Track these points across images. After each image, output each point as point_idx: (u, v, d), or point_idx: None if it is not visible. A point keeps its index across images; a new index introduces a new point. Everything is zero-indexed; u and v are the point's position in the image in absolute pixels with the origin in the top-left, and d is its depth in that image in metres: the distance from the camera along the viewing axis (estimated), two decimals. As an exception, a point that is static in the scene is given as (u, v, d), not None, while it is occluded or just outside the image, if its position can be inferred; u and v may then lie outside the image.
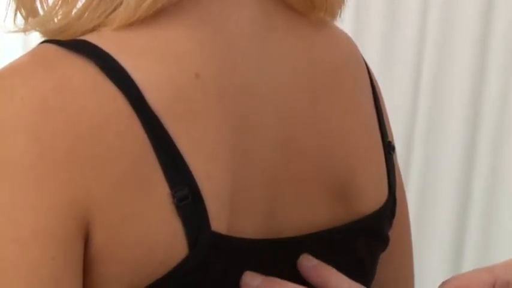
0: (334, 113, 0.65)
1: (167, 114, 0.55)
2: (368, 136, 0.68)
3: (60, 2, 0.58)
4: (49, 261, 0.51)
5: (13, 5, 0.61)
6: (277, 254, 0.61)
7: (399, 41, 1.97)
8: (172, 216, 0.54)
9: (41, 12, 0.61)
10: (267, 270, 0.59)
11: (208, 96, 0.57)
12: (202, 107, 0.57)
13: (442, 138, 1.97)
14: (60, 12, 0.58)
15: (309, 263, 0.62)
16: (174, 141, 0.55)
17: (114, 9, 0.56)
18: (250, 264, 0.59)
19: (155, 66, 0.56)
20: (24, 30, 0.61)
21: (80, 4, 0.58)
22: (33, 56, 0.56)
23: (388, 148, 0.71)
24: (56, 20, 0.58)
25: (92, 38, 0.56)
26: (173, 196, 0.54)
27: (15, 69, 0.55)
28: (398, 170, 0.74)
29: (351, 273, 0.62)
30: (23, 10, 0.61)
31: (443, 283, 0.62)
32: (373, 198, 0.67)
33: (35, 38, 0.60)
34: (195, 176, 0.55)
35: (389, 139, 0.72)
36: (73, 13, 0.57)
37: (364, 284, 0.62)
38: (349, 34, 0.72)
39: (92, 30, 0.57)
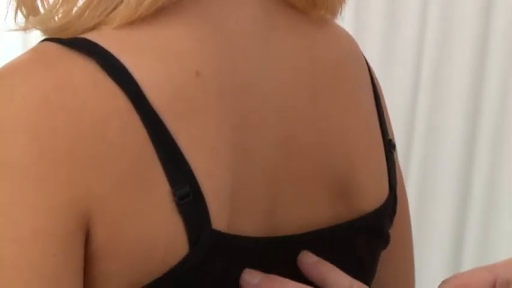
0: (334, 111, 0.65)
1: (168, 113, 0.55)
2: (369, 134, 0.68)
3: (60, 0, 0.58)
4: (49, 260, 0.51)
5: (14, 4, 0.61)
6: (278, 252, 0.61)
7: (399, 40, 1.98)
8: (173, 214, 0.54)
9: (41, 10, 0.61)
10: (267, 269, 0.59)
11: (209, 94, 0.57)
12: (203, 106, 0.57)
13: (442, 135, 1.98)
14: (61, 11, 0.58)
15: (308, 260, 0.62)
16: (175, 139, 0.55)
17: (115, 8, 0.56)
18: (251, 262, 0.59)
19: (156, 64, 0.56)
20: (25, 29, 0.61)
21: (80, 2, 0.58)
22: (33, 54, 0.56)
23: (389, 146, 0.71)
24: (56, 18, 0.58)
25: (92, 36, 0.56)
26: (174, 194, 0.54)
27: (16, 67, 0.55)
28: (399, 167, 0.74)
29: (352, 272, 0.62)
30: (23, 8, 0.61)
31: (443, 282, 0.62)
32: (373, 196, 0.67)
33: (35, 36, 0.60)
34: (195, 174, 0.55)
35: (390, 137, 0.72)
36: (74, 11, 0.57)
37: (364, 282, 0.62)
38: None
39: (93, 28, 0.57)
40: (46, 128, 0.52)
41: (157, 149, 0.54)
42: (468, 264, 1.97)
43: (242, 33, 0.60)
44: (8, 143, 0.52)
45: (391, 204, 0.69)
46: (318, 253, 0.63)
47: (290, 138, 0.62)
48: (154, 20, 0.57)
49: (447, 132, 1.98)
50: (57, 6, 0.58)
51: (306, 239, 0.63)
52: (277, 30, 0.63)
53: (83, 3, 0.57)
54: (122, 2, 0.56)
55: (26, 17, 0.61)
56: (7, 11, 0.61)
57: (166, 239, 0.54)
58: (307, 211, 0.63)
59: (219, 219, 0.56)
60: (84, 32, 0.57)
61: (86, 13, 0.57)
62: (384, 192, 0.68)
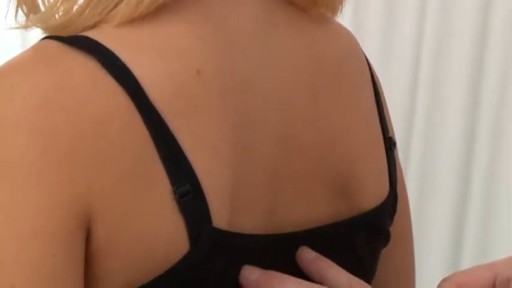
0: (335, 109, 0.65)
1: (168, 111, 0.55)
2: (369, 131, 0.68)
3: None
4: (50, 258, 0.51)
5: (14, 2, 0.61)
6: (278, 250, 0.62)
7: (397, 37, 1.98)
8: (174, 212, 0.54)
9: (42, 8, 0.61)
10: (268, 266, 0.59)
11: (210, 92, 0.57)
12: (204, 104, 0.57)
13: (441, 132, 1.98)
14: (62, 9, 0.58)
15: (307, 256, 0.62)
16: (176, 137, 0.55)
17: (116, 6, 0.56)
18: (251, 260, 0.59)
19: (156, 62, 0.56)
20: (26, 27, 0.61)
21: (81, 0, 0.58)
22: (34, 52, 0.56)
23: (389, 143, 0.71)
24: (57, 16, 0.58)
25: (93, 34, 0.56)
26: (174, 192, 0.54)
27: (16, 65, 0.55)
28: (399, 165, 0.74)
29: (352, 269, 0.62)
30: (24, 6, 0.61)
31: (443, 280, 0.62)
32: (374, 194, 0.67)
33: (34, 35, 0.60)
34: (196, 172, 0.55)
35: (390, 134, 0.72)
36: (74, 9, 0.57)
37: (364, 280, 0.62)
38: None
39: (93, 26, 0.57)
40: (46, 126, 0.52)
41: (158, 147, 0.54)
42: (467, 261, 1.97)
43: (243, 32, 0.60)
44: (9, 142, 0.52)
45: (392, 202, 0.69)
46: (318, 251, 0.63)
47: (290, 136, 0.62)
48: (155, 18, 0.57)
49: (446, 129, 1.98)
50: (58, 4, 0.58)
51: (306, 237, 0.63)
52: (277, 28, 0.63)
53: (84, 2, 0.57)
54: (122, 0, 0.56)
55: (27, 15, 0.61)
56: (8, 9, 0.61)
57: (167, 237, 0.54)
58: (308, 209, 0.64)
59: (220, 217, 0.56)
60: (84, 30, 0.57)
61: (87, 11, 0.57)
62: (384, 190, 0.69)
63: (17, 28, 0.61)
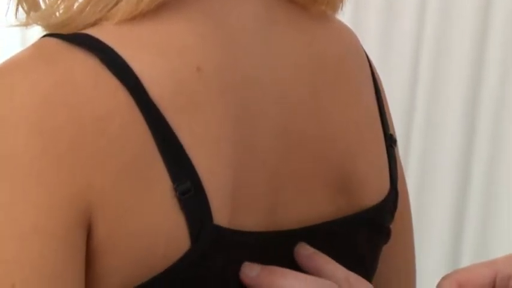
0: (335, 106, 0.65)
1: (169, 108, 0.55)
2: (369, 129, 0.68)
3: None
4: (51, 256, 0.51)
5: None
6: (279, 247, 0.62)
7: (397, 35, 1.98)
8: (175, 210, 0.54)
9: (42, 6, 0.61)
10: (268, 263, 0.59)
11: (210, 90, 0.57)
12: (204, 101, 0.57)
13: (441, 129, 1.98)
14: (62, 6, 0.58)
15: (305, 251, 0.62)
16: (176, 135, 0.55)
17: (116, 3, 0.56)
18: (252, 257, 0.59)
19: (157, 60, 0.56)
20: (26, 24, 0.61)
21: (81, -2, 0.58)
22: (34, 50, 0.56)
23: (390, 141, 0.71)
24: (57, 14, 0.58)
25: (93, 32, 0.56)
26: (175, 189, 0.54)
27: (17, 63, 0.55)
28: (400, 162, 0.74)
29: (352, 267, 0.62)
30: (24, 4, 0.61)
31: (444, 278, 0.62)
32: (374, 191, 0.67)
33: (34, 33, 0.60)
34: (197, 170, 0.55)
35: (391, 132, 0.72)
36: (75, 7, 0.57)
37: (365, 277, 0.62)
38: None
39: (94, 24, 0.57)
40: (47, 123, 0.52)
41: (158, 145, 0.54)
42: (467, 257, 1.97)
43: (243, 29, 0.60)
44: (9, 140, 0.52)
45: (392, 199, 0.69)
46: (318, 248, 0.63)
47: (291, 133, 0.62)
48: (156, 16, 0.57)
49: (446, 125, 1.98)
50: (58, 1, 0.58)
51: (307, 234, 0.63)
52: (278, 25, 0.63)
53: None
54: None
55: (27, 12, 0.61)
56: (8, 7, 0.61)
57: (168, 234, 0.54)
58: (308, 206, 0.64)
59: (221, 215, 0.56)
60: (85, 27, 0.57)
61: (87, 9, 0.57)
62: (385, 187, 0.69)
63: (17, 26, 0.61)
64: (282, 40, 0.63)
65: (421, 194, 2.00)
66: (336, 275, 0.61)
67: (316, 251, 0.62)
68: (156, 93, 0.54)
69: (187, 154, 0.55)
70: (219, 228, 0.56)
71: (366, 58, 0.72)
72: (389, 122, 0.72)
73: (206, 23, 0.59)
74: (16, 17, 0.61)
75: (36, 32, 0.60)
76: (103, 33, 0.55)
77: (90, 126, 0.52)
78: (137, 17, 0.56)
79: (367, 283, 0.61)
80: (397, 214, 0.71)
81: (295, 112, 0.62)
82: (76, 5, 0.57)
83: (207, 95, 0.57)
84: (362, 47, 0.72)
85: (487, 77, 1.94)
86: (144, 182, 0.54)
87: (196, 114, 0.56)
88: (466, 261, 1.96)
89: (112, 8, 0.56)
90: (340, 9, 0.68)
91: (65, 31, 0.57)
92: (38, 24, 0.60)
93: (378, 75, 0.74)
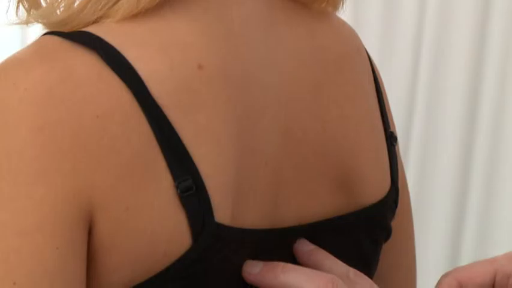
0: (336, 103, 0.65)
1: (171, 105, 0.55)
2: (370, 126, 0.68)
3: None
4: (53, 251, 0.51)
5: (15, -3, 0.62)
6: (280, 244, 0.62)
7: (397, 31, 1.98)
8: (176, 207, 0.54)
9: (43, 4, 0.61)
10: (270, 260, 0.59)
11: (212, 86, 0.57)
12: (206, 98, 0.57)
13: (442, 125, 1.98)
14: (63, 4, 0.58)
15: (304, 248, 0.62)
16: (178, 132, 0.55)
17: (117, 1, 0.56)
18: (253, 254, 0.59)
19: (158, 57, 0.56)
20: (27, 23, 0.61)
21: (82, -4, 0.58)
22: (36, 48, 0.56)
23: (390, 138, 0.71)
24: (58, 12, 0.58)
25: (94, 30, 0.56)
26: (177, 187, 0.54)
27: (19, 61, 0.55)
28: (400, 160, 0.74)
29: (353, 263, 0.62)
30: (25, 2, 0.61)
31: (444, 276, 0.63)
32: (375, 188, 0.67)
33: (34, 31, 0.60)
34: (198, 167, 0.55)
35: (392, 129, 0.72)
36: (75, 5, 0.57)
37: (366, 274, 0.62)
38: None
39: (95, 22, 0.57)
40: (49, 120, 0.52)
41: (160, 142, 0.54)
42: (467, 255, 1.97)
43: (245, 26, 0.60)
44: (12, 136, 0.52)
45: (393, 197, 0.69)
46: (320, 244, 0.63)
47: (292, 129, 0.62)
48: (157, 13, 0.57)
49: (446, 123, 1.98)
50: None
51: (308, 231, 0.63)
52: (278, 22, 0.63)
53: None
54: None
55: (28, 10, 0.61)
56: (9, 5, 0.61)
57: (169, 232, 0.54)
58: (310, 203, 0.64)
59: (222, 212, 0.56)
60: (86, 25, 0.57)
61: (88, 7, 0.57)
62: (385, 185, 0.69)
63: (18, 24, 0.61)
64: (282, 37, 0.63)
65: (421, 191, 2.00)
66: (336, 270, 0.61)
67: (316, 247, 0.62)
68: (157, 90, 0.54)
69: (189, 151, 0.55)
70: (220, 226, 0.56)
71: (367, 55, 0.72)
72: (389, 119, 0.72)
73: (207, 20, 0.59)
74: (17, 15, 0.61)
75: (37, 30, 0.60)
76: (104, 31, 0.55)
77: (92, 123, 0.52)
78: (138, 14, 0.56)
79: (367, 278, 0.61)
80: (397, 211, 0.71)
81: (296, 109, 0.62)
82: (77, 3, 0.57)
83: (208, 92, 0.57)
84: (363, 45, 0.72)
85: (487, 75, 1.94)
86: (145, 179, 0.54)
87: (197, 111, 0.56)
88: (466, 259, 1.96)
89: (113, 5, 0.56)
90: (341, 6, 0.68)
91: (65, 29, 0.57)
92: (38, 22, 0.60)
93: (379, 73, 0.74)
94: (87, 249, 0.53)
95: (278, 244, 0.62)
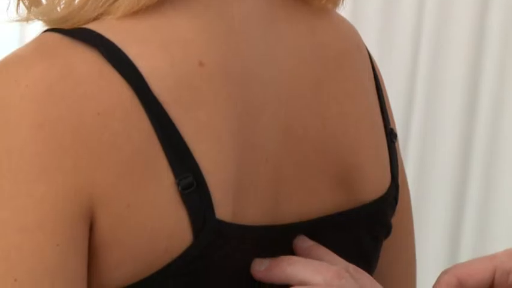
0: (336, 100, 0.65)
1: (171, 102, 0.55)
2: (370, 123, 0.68)
3: None
4: (54, 249, 0.51)
5: (16, -5, 0.61)
6: (281, 241, 0.62)
7: (396, 27, 1.97)
8: (177, 204, 0.55)
9: (43, 1, 0.61)
10: (271, 257, 0.60)
11: (212, 83, 0.57)
12: (207, 95, 0.57)
13: (441, 122, 1.98)
14: (63, 1, 0.58)
15: (304, 244, 0.62)
16: (179, 129, 0.55)
17: None
18: (255, 251, 0.60)
19: (159, 54, 0.56)
20: (27, 20, 0.61)
21: (82, -7, 0.58)
22: (37, 45, 0.56)
23: (390, 135, 0.71)
24: (59, 9, 0.58)
25: (95, 27, 0.56)
26: (177, 184, 0.54)
27: (19, 58, 0.55)
28: (400, 157, 0.74)
29: (354, 260, 0.62)
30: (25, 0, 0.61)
31: (443, 273, 0.63)
32: (376, 185, 0.67)
33: (32, 29, 0.60)
34: (199, 164, 0.55)
35: (391, 126, 0.72)
36: (76, 2, 0.57)
37: (366, 270, 0.62)
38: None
39: (96, 19, 0.57)
40: (50, 116, 0.52)
41: (160, 139, 0.54)
42: (466, 252, 1.97)
43: (245, 23, 0.60)
44: (12, 133, 0.52)
45: (393, 193, 0.69)
46: (320, 241, 0.63)
47: (293, 127, 0.62)
48: (158, 10, 0.57)
49: (445, 120, 1.98)
50: None
51: (309, 228, 0.63)
52: (279, 19, 0.63)
53: None
54: None
55: (28, 7, 0.61)
56: (9, 2, 0.61)
57: (170, 229, 0.55)
58: (310, 200, 0.64)
59: (223, 209, 0.56)
60: (86, 22, 0.57)
61: (89, 3, 0.57)
62: (386, 181, 0.68)
63: (18, 21, 0.61)
64: (283, 34, 0.63)
65: (420, 188, 1.99)
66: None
67: (315, 244, 0.62)
68: (158, 87, 0.55)
69: (190, 148, 0.55)
70: (221, 223, 0.56)
71: (367, 52, 0.72)
72: (389, 116, 0.72)
73: (208, 17, 0.59)
74: (17, 12, 0.61)
75: (36, 28, 0.60)
76: (105, 28, 0.56)
77: (92, 120, 0.52)
78: (139, 11, 0.56)
79: (367, 274, 0.61)
80: (397, 208, 0.71)
81: (296, 106, 0.62)
82: (77, 0, 0.57)
83: (209, 89, 0.57)
84: (363, 42, 0.72)
85: (486, 68, 1.94)
86: (146, 176, 0.54)
87: (198, 108, 0.56)
88: (465, 253, 1.96)
89: (113, 2, 0.56)
90: (341, 3, 0.68)
91: (66, 26, 0.57)
92: (39, 19, 0.59)
93: (379, 69, 0.74)
94: (89, 245, 0.53)
95: (279, 240, 0.62)
